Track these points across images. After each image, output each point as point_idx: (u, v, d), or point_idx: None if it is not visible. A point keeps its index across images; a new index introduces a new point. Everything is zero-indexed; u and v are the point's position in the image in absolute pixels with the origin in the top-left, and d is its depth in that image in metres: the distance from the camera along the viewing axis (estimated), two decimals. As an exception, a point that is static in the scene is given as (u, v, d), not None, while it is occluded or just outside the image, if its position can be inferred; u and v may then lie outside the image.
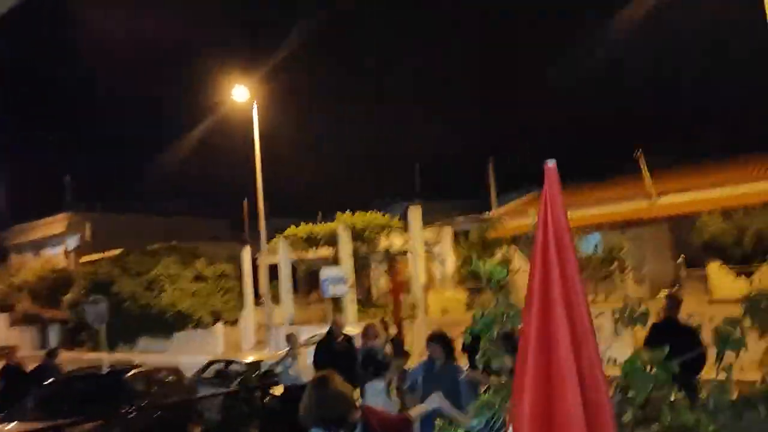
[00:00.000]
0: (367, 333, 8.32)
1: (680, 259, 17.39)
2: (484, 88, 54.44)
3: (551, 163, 1.77)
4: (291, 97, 52.27)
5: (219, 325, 26.26)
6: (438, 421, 2.10)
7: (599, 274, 17.59)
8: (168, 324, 27.01)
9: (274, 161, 27.30)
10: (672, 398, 1.80)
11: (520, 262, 21.90)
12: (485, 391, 2.05)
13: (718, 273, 16.24)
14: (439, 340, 5.97)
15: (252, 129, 25.07)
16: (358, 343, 8.60)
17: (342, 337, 8.60)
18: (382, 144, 59.07)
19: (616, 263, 17.89)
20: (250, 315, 25.54)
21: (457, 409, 5.72)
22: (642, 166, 20.11)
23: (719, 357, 2.11)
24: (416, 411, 3.79)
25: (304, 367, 8.12)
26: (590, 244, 19.85)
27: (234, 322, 26.85)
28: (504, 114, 54.42)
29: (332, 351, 8.35)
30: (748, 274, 15.52)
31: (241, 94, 26.11)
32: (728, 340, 2.04)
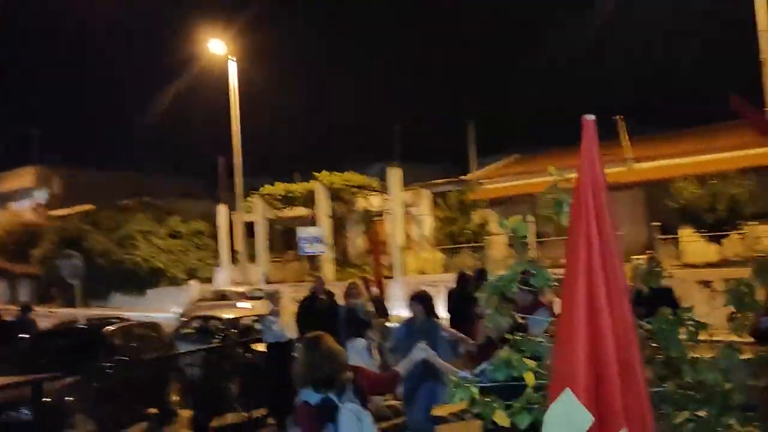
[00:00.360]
0: (349, 292, 8.33)
1: (654, 224, 17.68)
2: (465, 51, 53.94)
3: (589, 118, 1.70)
4: (270, 55, 51.10)
5: (193, 282, 26.12)
6: (451, 377, 2.08)
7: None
8: (141, 280, 26.79)
9: (250, 119, 26.76)
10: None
11: (497, 225, 22.12)
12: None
13: (689, 238, 16.60)
14: (419, 299, 6.11)
15: (229, 85, 24.53)
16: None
17: (324, 295, 8.60)
18: (361, 105, 58.46)
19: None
20: (225, 272, 25.43)
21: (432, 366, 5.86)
22: (621, 132, 20.24)
23: (732, 317, 2.12)
24: (403, 365, 3.85)
25: (287, 325, 8.11)
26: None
27: (208, 280, 26.73)
28: (485, 78, 54.15)
29: (315, 309, 8.36)
30: (719, 240, 15.90)
31: (217, 47, 25.42)
32: (743, 301, 2.05)
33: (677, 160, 19.18)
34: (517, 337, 2.03)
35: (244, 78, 25.66)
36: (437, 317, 6.30)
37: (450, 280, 18.56)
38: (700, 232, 16.40)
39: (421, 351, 3.85)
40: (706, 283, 14.47)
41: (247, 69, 25.90)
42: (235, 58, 25.51)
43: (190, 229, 28.22)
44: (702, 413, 1.73)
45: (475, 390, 1.84)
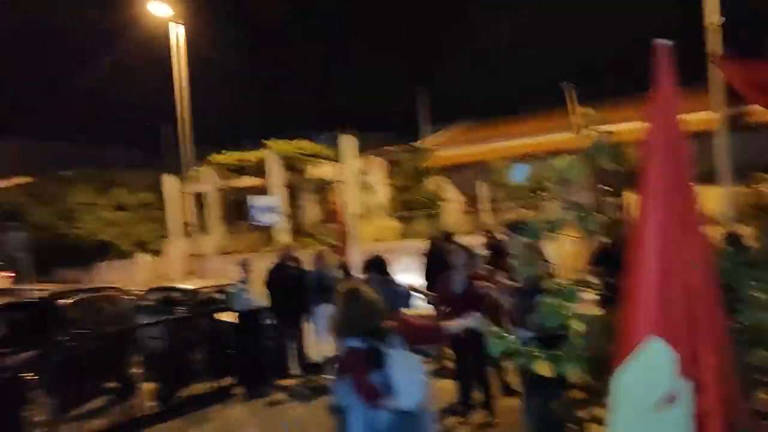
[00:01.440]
0: (318, 259, 8.28)
1: (601, 187, 18.23)
2: (414, 18, 53.45)
3: (663, 42, 1.60)
4: (216, 18, 49.26)
5: (142, 255, 25.38)
6: (490, 328, 2.06)
7: (530, 203, 18.21)
8: (87, 254, 25.79)
9: (196, 87, 25.82)
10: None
11: (451, 191, 22.33)
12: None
13: (632, 200, 17.24)
14: (373, 264, 6.48)
15: (171, 51, 23.54)
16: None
17: (292, 262, 8.50)
18: (311, 72, 57.33)
19: (544, 192, 18.51)
20: (177, 244, 24.80)
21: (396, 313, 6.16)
22: (571, 99, 20.59)
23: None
24: (452, 324, 3.90)
25: (257, 292, 7.99)
26: (520, 175, 20.41)
27: (159, 253, 26.02)
28: (435, 45, 53.90)
29: (284, 276, 8.26)
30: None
31: (159, 9, 24.30)
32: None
33: (622, 126, 19.77)
34: (561, 284, 2.03)
35: (188, 42, 24.69)
36: (390, 276, 6.64)
37: (407, 247, 18.78)
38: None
39: (476, 321, 3.91)
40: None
41: (194, 33, 24.91)
42: (181, 22, 24.48)
43: (137, 201, 27.24)
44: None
45: (515, 341, 1.83)
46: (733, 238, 4.07)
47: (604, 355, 1.99)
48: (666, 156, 1.54)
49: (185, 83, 23.12)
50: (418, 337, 3.54)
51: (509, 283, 3.98)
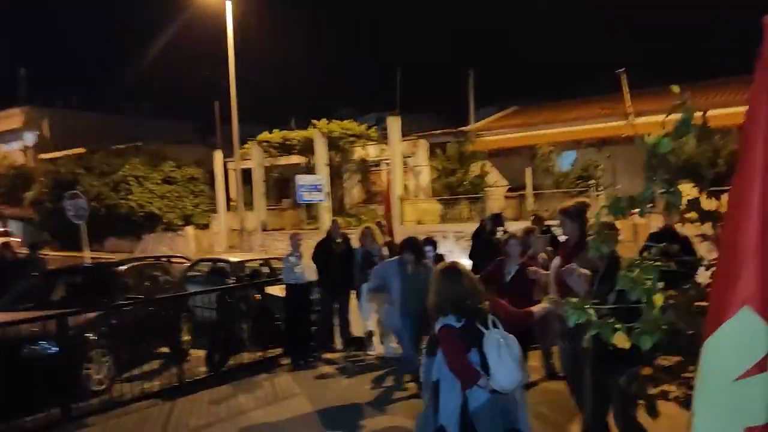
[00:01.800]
0: (365, 236, 8.37)
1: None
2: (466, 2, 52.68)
3: None
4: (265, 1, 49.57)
5: (190, 228, 26.05)
6: (570, 300, 2.08)
7: (575, 190, 17.92)
8: (137, 225, 26.64)
9: (246, 64, 26.16)
10: None
11: (495, 176, 22.12)
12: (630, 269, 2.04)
13: (688, 193, 16.72)
14: (410, 245, 6.47)
15: (225, 29, 23.80)
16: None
17: (340, 238, 8.61)
18: (359, 53, 57.27)
19: (591, 180, 18.19)
20: (222, 219, 25.35)
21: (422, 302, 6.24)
22: (623, 85, 20.09)
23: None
24: (539, 309, 3.88)
25: (306, 267, 8.14)
26: (567, 161, 20.07)
27: (204, 226, 26.66)
28: (485, 28, 53.11)
29: (331, 252, 8.38)
30: (717, 196, 16.01)
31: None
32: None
33: (677, 115, 19.14)
34: (649, 259, 2.04)
35: (241, 21, 24.96)
36: (425, 261, 6.67)
37: (448, 230, 18.77)
38: (700, 187, 16.49)
39: (552, 303, 3.91)
40: (704, 237, 14.70)
41: (245, 12, 25.17)
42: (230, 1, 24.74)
43: (184, 175, 27.94)
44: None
45: (592, 312, 1.85)
46: None
47: (681, 330, 2.00)
48: None
49: (232, 61, 23.41)
50: (511, 321, 3.50)
51: (583, 271, 3.96)
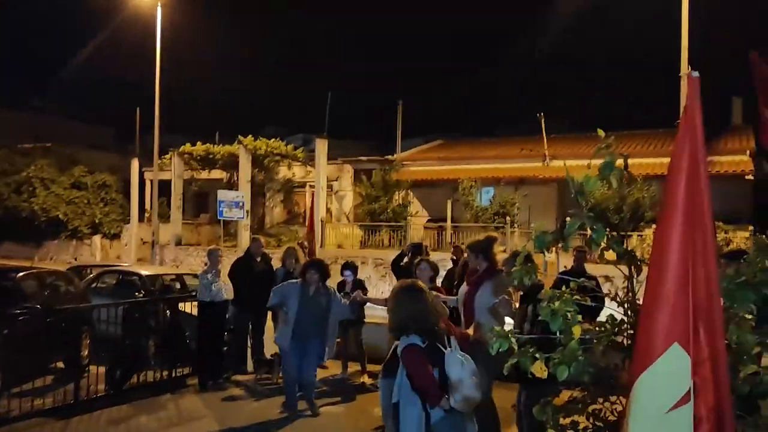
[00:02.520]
0: (288, 256, 8.26)
1: (565, 220, 18.69)
2: (400, 31, 53.87)
3: (694, 74, 1.74)
4: (200, 9, 48.65)
5: (97, 237, 24.74)
6: (493, 327, 2.14)
7: (492, 225, 18.51)
8: (38, 230, 25.00)
9: (173, 74, 25.44)
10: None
11: (417, 206, 22.51)
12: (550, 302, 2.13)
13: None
14: (317, 266, 6.56)
15: (153, 35, 23.15)
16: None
17: (260, 257, 8.44)
18: (291, 73, 57.11)
19: (508, 217, 18.86)
20: (134, 230, 24.25)
21: (324, 326, 6.27)
22: (542, 129, 21.14)
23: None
24: (474, 332, 4.02)
25: (224, 285, 7.89)
26: (486, 197, 20.73)
27: (114, 236, 25.40)
28: (416, 60, 54.41)
29: (250, 270, 8.20)
30: (623, 240, 16.99)
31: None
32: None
33: (589, 161, 20.33)
34: (567, 293, 2.13)
35: (172, 31, 24.34)
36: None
37: (368, 256, 18.84)
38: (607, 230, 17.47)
39: (480, 328, 4.02)
40: (608, 278, 15.58)
41: (177, 21, 24.59)
42: (160, 6, 24.12)
43: (96, 181, 26.58)
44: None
45: (514, 341, 1.91)
46: (734, 254, 4.28)
47: (599, 362, 2.11)
48: (689, 186, 1.66)
49: (159, 68, 22.75)
50: (461, 342, 3.57)
51: (509, 299, 4.13)
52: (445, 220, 20.50)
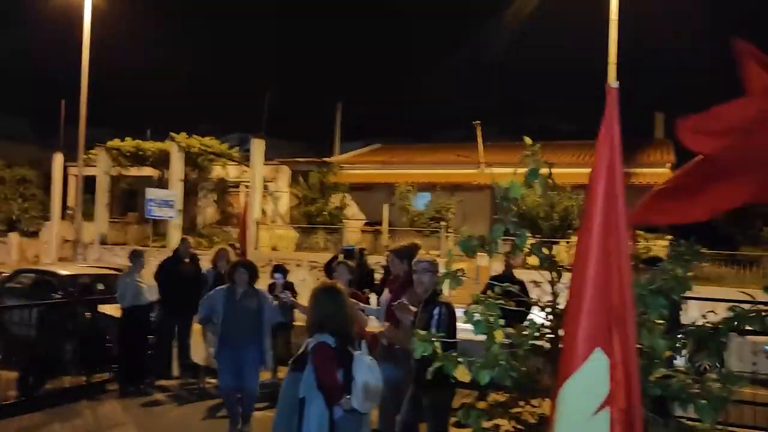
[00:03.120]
0: (219, 257, 8.03)
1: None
2: (344, 32, 53.78)
3: (613, 85, 1.77)
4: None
5: (14, 235, 23.38)
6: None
7: (428, 230, 18.70)
8: (-53, 226, 23.38)
9: (102, 65, 24.31)
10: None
11: (354, 210, 22.48)
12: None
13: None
14: (245, 266, 6.19)
15: (81, 24, 22.14)
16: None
17: (189, 258, 8.18)
18: (227, 70, 55.90)
19: (443, 222, 19.11)
20: (55, 228, 23.06)
21: (258, 331, 6.00)
22: (478, 136, 21.58)
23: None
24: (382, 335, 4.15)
25: (148, 287, 7.58)
26: (422, 202, 20.95)
27: (32, 234, 24.06)
28: (357, 62, 54.46)
29: (178, 272, 7.92)
30: (550, 246, 17.57)
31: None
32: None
33: (515, 169, 20.93)
34: (492, 298, 2.13)
35: (101, 20, 23.32)
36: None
37: (303, 258, 18.64)
38: (534, 237, 18.01)
39: (391, 331, 4.09)
40: (536, 283, 16.06)
41: (107, 10, 23.57)
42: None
43: (14, 176, 25.12)
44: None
45: (438, 345, 1.90)
46: (650, 260, 4.48)
47: (521, 366, 2.13)
48: (606, 196, 1.70)
49: (86, 57, 21.80)
50: (372, 345, 3.72)
51: (411, 307, 4.17)
52: (381, 224, 20.57)
